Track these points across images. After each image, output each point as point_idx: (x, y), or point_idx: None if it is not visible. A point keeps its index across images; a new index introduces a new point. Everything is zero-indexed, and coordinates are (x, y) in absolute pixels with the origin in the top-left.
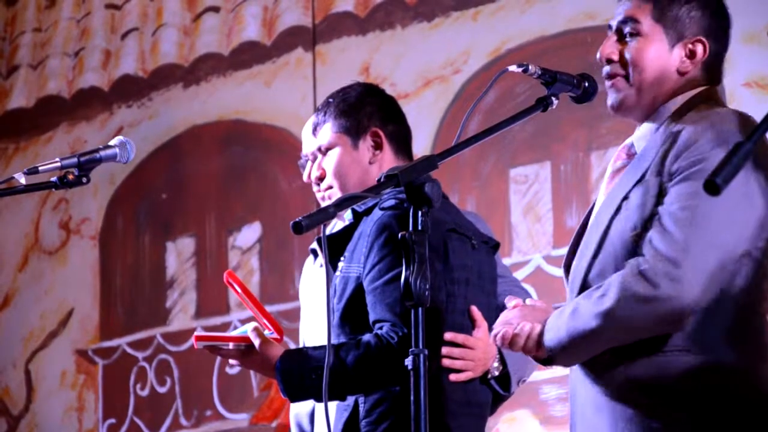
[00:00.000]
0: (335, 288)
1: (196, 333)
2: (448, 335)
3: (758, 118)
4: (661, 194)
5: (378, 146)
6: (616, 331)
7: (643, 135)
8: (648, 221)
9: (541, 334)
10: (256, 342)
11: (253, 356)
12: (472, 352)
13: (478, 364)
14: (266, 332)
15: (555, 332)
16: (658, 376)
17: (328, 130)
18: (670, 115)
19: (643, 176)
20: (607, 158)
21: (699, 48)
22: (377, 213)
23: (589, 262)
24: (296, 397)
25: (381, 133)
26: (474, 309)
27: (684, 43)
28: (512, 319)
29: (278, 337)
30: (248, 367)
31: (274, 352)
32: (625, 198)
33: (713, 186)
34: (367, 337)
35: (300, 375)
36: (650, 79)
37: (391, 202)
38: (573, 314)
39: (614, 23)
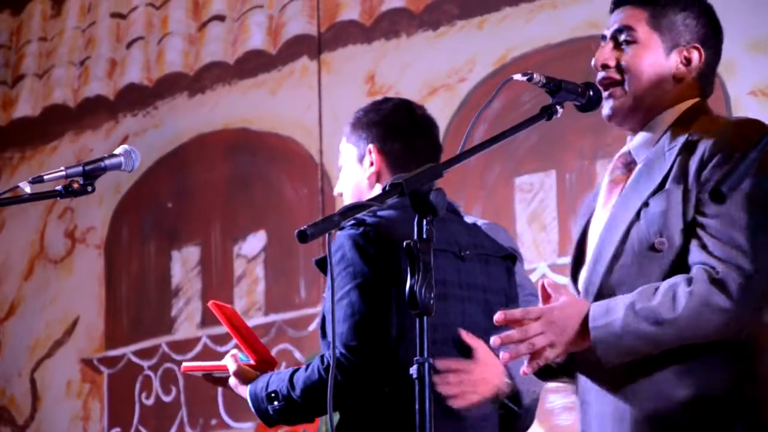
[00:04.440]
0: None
1: (183, 364)
2: (441, 364)
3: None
4: (686, 201)
5: (372, 164)
6: (679, 338)
7: (642, 143)
8: (686, 230)
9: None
10: (231, 369)
11: (233, 383)
12: (468, 376)
13: (479, 386)
14: (242, 357)
15: (606, 329)
16: (696, 385)
17: (343, 144)
18: (670, 124)
19: (662, 185)
20: None
21: (695, 55)
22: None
23: (607, 267)
24: (268, 423)
25: (375, 151)
26: (462, 332)
27: (680, 49)
28: (531, 331)
29: (252, 362)
30: (235, 393)
31: (246, 378)
32: (645, 205)
33: (719, 195)
34: (315, 362)
35: (261, 400)
36: (647, 86)
37: (351, 221)
38: (631, 313)
39: (609, 32)
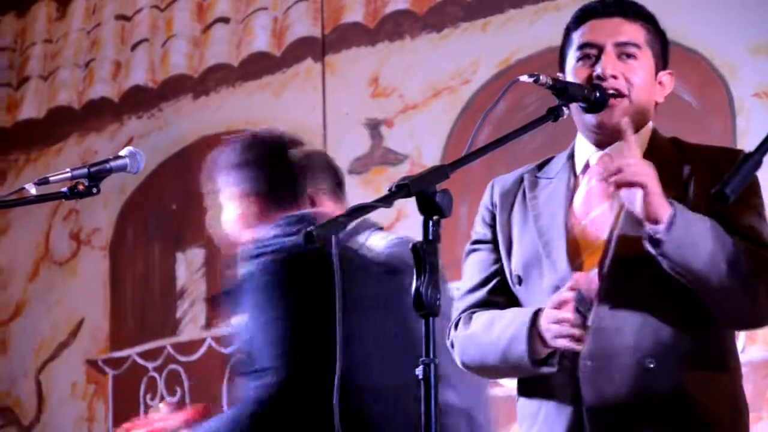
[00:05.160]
0: None
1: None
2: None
3: None
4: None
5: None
6: (724, 276)
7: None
8: None
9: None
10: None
11: None
12: None
13: None
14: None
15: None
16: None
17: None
18: (648, 141)
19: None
20: None
21: (669, 80)
22: None
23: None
24: None
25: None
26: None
27: (661, 73)
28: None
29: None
30: None
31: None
32: None
33: (722, 196)
34: (246, 399)
35: None
36: (644, 103)
37: (257, 251)
38: (711, 224)
39: (610, 42)
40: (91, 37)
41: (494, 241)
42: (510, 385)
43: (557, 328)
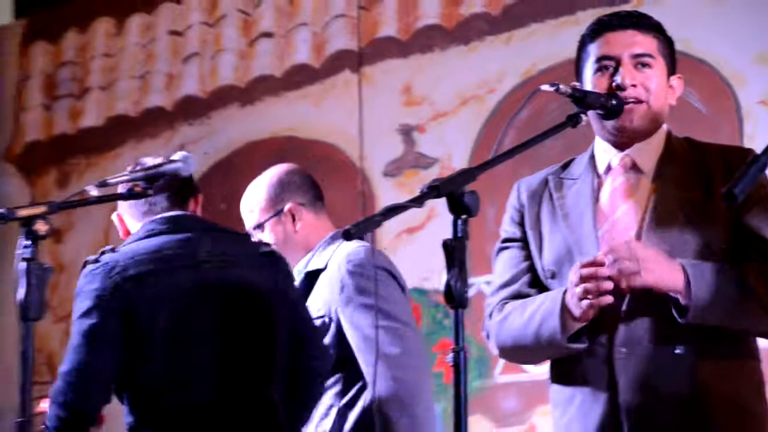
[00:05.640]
0: None
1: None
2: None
3: None
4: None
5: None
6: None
7: (645, 152)
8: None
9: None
10: None
11: None
12: None
13: None
14: None
15: (699, 266)
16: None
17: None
18: (664, 141)
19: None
20: None
21: (679, 84)
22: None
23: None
24: None
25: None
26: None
27: (671, 78)
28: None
29: None
30: None
31: None
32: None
33: (732, 195)
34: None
35: None
36: (660, 108)
37: (95, 256)
38: (721, 268)
39: (626, 54)
40: (146, 51)
41: (523, 239)
42: (534, 371)
43: (579, 289)
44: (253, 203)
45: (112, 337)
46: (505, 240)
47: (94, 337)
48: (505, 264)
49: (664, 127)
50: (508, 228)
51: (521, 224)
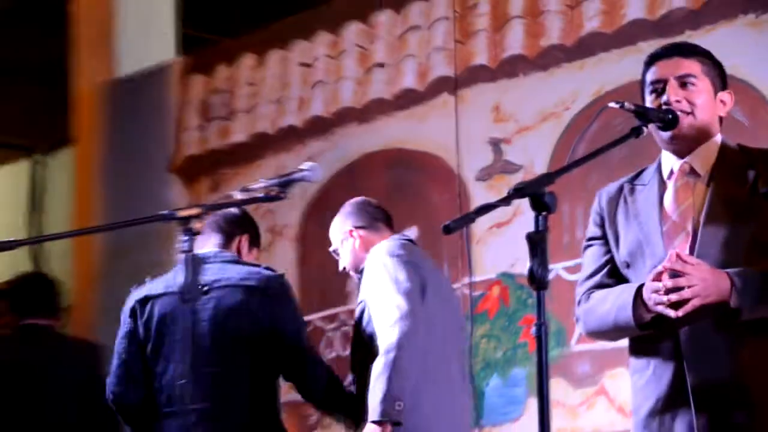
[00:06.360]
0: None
1: None
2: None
3: None
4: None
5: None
6: None
7: (701, 158)
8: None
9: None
10: None
11: None
12: None
13: None
14: None
15: (744, 274)
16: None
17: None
18: (718, 149)
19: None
20: None
21: (729, 98)
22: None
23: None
24: None
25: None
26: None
27: (720, 93)
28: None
29: None
30: None
31: None
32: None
33: None
34: None
35: None
36: (707, 119)
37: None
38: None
39: (672, 76)
40: (282, 80)
41: (604, 237)
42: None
43: (655, 296)
44: (331, 235)
45: None
46: (590, 239)
47: None
48: (590, 259)
49: (719, 136)
50: (592, 229)
51: (602, 226)
